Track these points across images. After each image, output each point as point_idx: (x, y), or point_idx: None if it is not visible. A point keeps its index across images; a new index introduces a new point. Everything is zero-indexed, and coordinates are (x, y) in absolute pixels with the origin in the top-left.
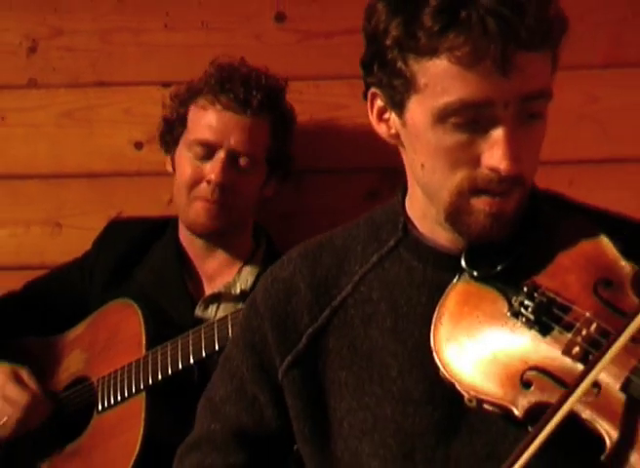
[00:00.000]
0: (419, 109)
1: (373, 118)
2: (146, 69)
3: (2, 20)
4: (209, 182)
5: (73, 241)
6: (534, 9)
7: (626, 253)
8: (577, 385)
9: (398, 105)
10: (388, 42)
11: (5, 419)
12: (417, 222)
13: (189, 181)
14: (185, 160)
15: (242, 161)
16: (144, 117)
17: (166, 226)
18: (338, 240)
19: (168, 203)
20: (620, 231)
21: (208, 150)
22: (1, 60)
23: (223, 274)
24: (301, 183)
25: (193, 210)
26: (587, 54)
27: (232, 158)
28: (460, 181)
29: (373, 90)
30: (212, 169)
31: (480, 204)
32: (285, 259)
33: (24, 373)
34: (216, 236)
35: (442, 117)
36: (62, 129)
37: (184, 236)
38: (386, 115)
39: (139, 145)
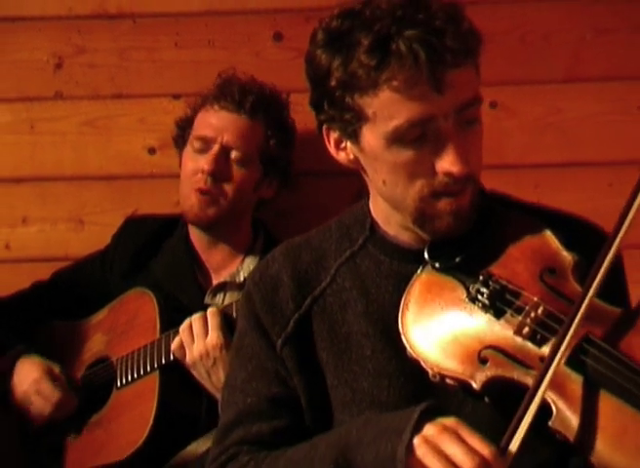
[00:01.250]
0: (372, 135)
1: (331, 149)
2: (159, 83)
3: (32, 40)
4: (203, 172)
5: (94, 236)
6: (452, 31)
7: (566, 245)
8: (545, 372)
9: (352, 135)
10: (333, 83)
11: (35, 411)
12: (381, 225)
13: (189, 172)
14: (188, 154)
15: (234, 155)
16: (157, 125)
17: (177, 223)
18: (314, 240)
19: (177, 202)
20: (560, 226)
21: (205, 144)
22: (31, 76)
23: (227, 265)
24: (298, 184)
25: (190, 201)
26: (551, 70)
27: (225, 152)
28: (421, 189)
29: (325, 126)
30: (206, 160)
31: (442, 205)
32: (270, 258)
33: (57, 370)
34: (212, 228)
35: (394, 138)
36: (85, 136)
37: (192, 231)
38: (343, 144)
39: (152, 151)
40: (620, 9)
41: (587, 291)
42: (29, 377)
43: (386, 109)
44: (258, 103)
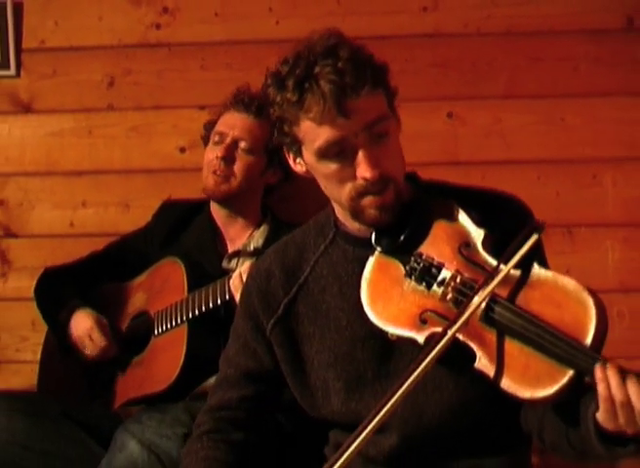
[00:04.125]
0: (307, 154)
1: (291, 162)
2: (188, 97)
3: (90, 64)
4: (217, 158)
5: (138, 216)
6: (351, 69)
7: (483, 219)
8: (455, 320)
9: (298, 153)
10: (274, 117)
11: (88, 351)
12: (342, 220)
13: (208, 159)
14: (209, 147)
15: (242, 145)
16: (187, 130)
17: (203, 206)
18: (297, 238)
19: (202, 190)
20: (479, 202)
21: (221, 138)
22: (89, 92)
23: (241, 236)
24: (297, 175)
25: (207, 180)
26: (493, 88)
27: (235, 143)
28: (349, 192)
29: (284, 146)
30: (219, 149)
31: (367, 202)
32: (264, 255)
33: (105, 322)
34: (227, 203)
35: (320, 155)
36: (131, 139)
37: (213, 208)
38: (297, 160)
39: (182, 150)
40: (548, 42)
41: (492, 278)
42: (84, 325)
43: (310, 134)
44: (263, 106)
